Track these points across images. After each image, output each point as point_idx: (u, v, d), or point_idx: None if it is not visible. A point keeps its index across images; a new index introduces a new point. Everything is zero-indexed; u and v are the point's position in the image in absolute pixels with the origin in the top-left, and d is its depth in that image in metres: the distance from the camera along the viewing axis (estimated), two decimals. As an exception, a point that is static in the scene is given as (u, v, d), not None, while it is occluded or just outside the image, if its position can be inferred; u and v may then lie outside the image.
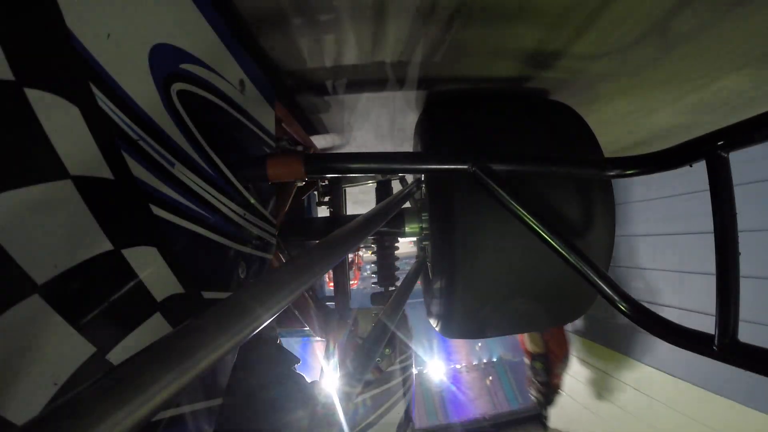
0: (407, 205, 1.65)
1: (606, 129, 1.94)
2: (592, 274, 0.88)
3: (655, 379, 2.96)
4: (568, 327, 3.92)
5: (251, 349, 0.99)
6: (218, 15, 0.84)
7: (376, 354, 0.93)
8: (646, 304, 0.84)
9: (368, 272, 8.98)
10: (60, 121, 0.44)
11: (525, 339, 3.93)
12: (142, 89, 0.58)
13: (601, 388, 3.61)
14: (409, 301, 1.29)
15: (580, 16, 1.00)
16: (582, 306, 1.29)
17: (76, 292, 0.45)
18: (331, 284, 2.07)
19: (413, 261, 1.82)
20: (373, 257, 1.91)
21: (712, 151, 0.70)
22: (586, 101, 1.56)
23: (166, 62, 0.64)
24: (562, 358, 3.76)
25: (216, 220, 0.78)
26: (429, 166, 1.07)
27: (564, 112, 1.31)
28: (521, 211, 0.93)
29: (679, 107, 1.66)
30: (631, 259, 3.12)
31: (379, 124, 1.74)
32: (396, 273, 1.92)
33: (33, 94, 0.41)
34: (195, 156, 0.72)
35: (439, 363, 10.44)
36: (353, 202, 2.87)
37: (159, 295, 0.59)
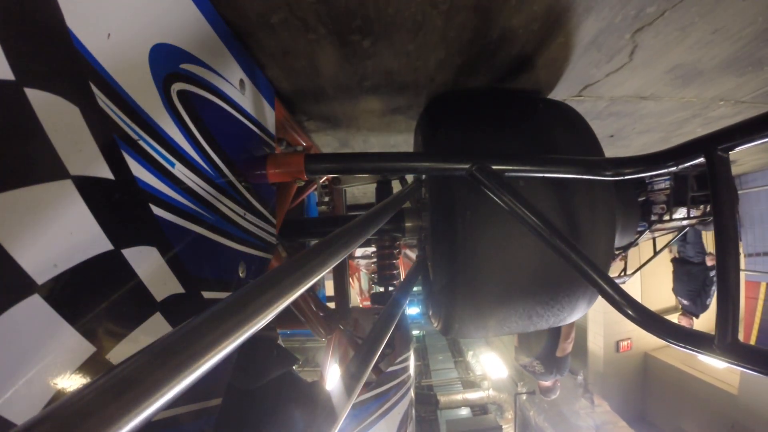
0: (407, 204, 1.65)
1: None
2: (593, 274, 0.88)
3: None
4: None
5: (250, 349, 0.99)
6: (218, 15, 0.84)
7: (376, 354, 0.93)
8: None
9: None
10: (60, 121, 0.44)
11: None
12: (142, 89, 0.58)
13: None
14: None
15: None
16: (582, 305, 1.29)
17: (76, 292, 0.45)
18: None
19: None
20: None
21: (712, 151, 0.70)
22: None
23: (166, 62, 0.64)
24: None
25: (216, 220, 0.79)
26: (429, 167, 1.07)
27: (564, 111, 1.31)
28: (521, 210, 0.93)
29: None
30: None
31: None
32: (396, 272, 1.92)
33: (33, 94, 0.41)
34: (195, 156, 0.72)
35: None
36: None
37: (159, 295, 0.59)
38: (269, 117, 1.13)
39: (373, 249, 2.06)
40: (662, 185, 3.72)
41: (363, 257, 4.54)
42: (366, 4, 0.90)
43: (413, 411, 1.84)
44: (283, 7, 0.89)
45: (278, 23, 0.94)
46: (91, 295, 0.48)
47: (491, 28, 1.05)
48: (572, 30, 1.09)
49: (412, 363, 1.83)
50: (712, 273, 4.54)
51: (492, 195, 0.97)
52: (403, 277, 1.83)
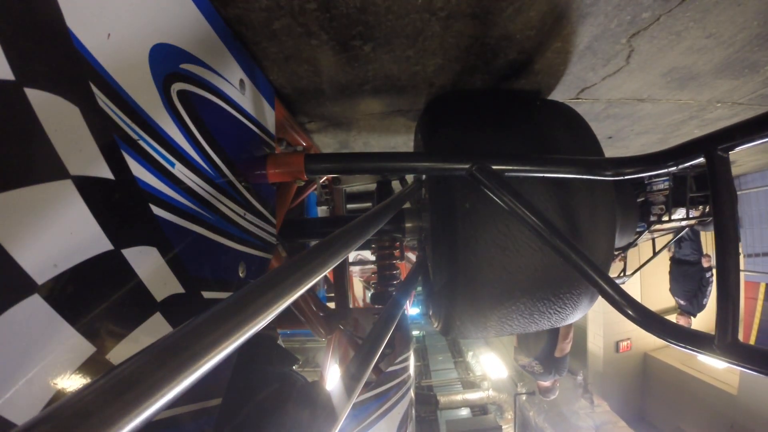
0: (407, 205, 1.65)
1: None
2: (593, 274, 0.88)
3: None
4: None
5: (251, 349, 0.99)
6: (218, 15, 0.84)
7: (376, 354, 0.93)
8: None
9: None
10: (60, 121, 0.44)
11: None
12: (142, 89, 0.58)
13: None
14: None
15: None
16: (582, 305, 1.29)
17: (76, 292, 0.45)
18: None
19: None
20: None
21: (712, 150, 0.70)
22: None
23: (166, 62, 0.64)
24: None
25: (216, 220, 0.78)
26: (429, 167, 1.07)
27: (564, 111, 1.31)
28: (522, 210, 0.93)
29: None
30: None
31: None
32: (396, 273, 1.92)
33: (33, 94, 0.41)
34: (195, 156, 0.72)
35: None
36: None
37: (159, 295, 0.59)
38: (269, 117, 1.13)
39: (368, 253, 2.06)
40: (661, 186, 3.74)
41: (356, 263, 4.33)
42: (367, 11, 0.91)
43: (413, 411, 1.84)
44: (286, 15, 0.89)
45: (280, 29, 0.95)
46: (91, 295, 0.48)
47: (488, 35, 1.06)
48: (569, 35, 1.10)
49: (412, 363, 1.83)
50: (708, 274, 4.55)
51: (492, 195, 0.97)
52: (403, 278, 1.84)
